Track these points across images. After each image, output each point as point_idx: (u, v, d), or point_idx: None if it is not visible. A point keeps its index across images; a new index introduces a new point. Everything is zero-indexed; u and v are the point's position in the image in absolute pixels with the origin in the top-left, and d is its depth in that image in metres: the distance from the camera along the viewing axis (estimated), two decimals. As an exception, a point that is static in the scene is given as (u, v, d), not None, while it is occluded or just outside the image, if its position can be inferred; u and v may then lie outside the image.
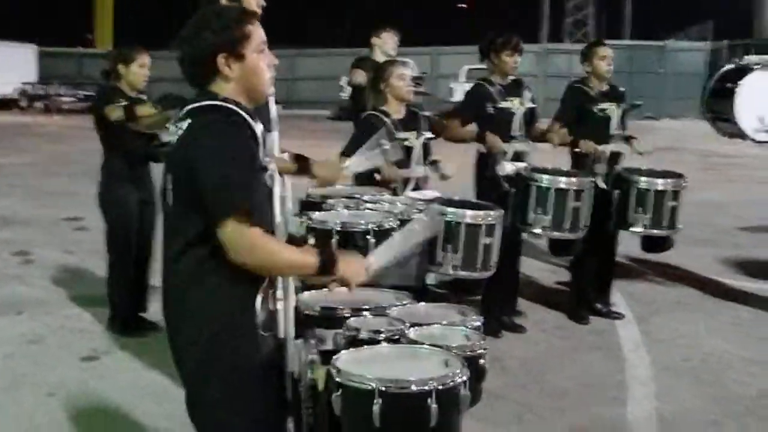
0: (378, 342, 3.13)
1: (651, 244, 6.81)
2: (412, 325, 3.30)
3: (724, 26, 35.64)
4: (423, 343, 3.05)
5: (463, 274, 5.03)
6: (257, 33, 2.79)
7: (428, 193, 5.41)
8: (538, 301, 7.24)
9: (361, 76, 6.90)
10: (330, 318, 3.43)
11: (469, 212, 5.04)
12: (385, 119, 5.51)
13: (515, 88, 6.38)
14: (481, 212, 5.11)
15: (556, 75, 30.36)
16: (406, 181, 5.47)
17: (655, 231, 6.50)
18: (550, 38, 42.12)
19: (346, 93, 7.33)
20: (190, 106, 2.77)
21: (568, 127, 6.62)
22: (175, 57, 2.78)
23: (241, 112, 2.73)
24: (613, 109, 6.64)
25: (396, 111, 5.63)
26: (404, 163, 5.43)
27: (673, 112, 28.74)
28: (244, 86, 2.78)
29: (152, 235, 6.25)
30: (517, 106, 6.29)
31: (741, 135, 6.46)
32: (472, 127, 6.30)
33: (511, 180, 6.11)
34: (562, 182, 5.97)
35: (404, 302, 3.69)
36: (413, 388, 2.67)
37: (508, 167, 6.10)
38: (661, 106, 29.84)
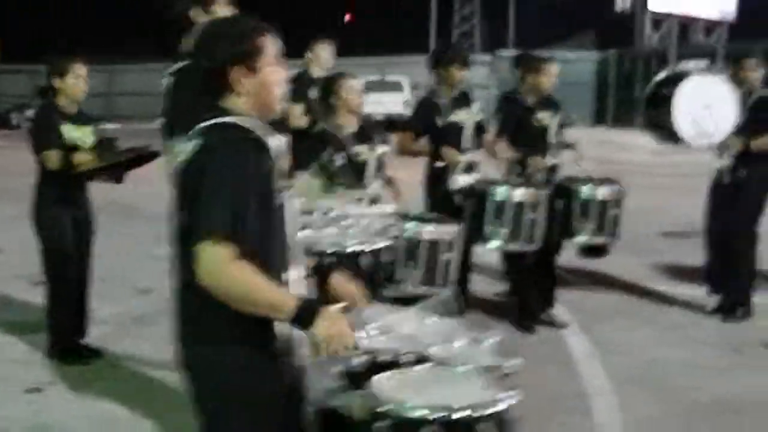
0: (400, 364, 2.91)
1: (589, 251, 6.91)
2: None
3: (606, 35, 37.04)
4: (455, 364, 2.92)
5: (423, 290, 4.99)
6: (272, 46, 2.69)
7: (386, 208, 5.35)
8: (483, 312, 7.25)
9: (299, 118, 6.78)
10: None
11: (428, 228, 5.01)
12: (338, 134, 5.43)
13: (463, 101, 6.38)
14: (442, 228, 5.08)
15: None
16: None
17: (598, 239, 6.59)
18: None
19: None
20: (201, 125, 2.64)
21: (511, 140, 6.65)
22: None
23: (254, 129, 2.62)
24: (549, 119, 6.70)
25: (349, 124, 5.51)
26: (358, 178, 5.36)
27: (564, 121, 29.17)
28: (257, 101, 2.68)
29: (89, 256, 6.03)
30: (465, 118, 6.29)
31: (678, 141, 6.60)
32: (425, 141, 6.26)
33: (464, 193, 6.10)
34: (519, 194, 5.98)
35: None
36: (467, 413, 2.57)
37: (460, 180, 6.09)
38: (552, 115, 30.47)
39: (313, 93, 6.54)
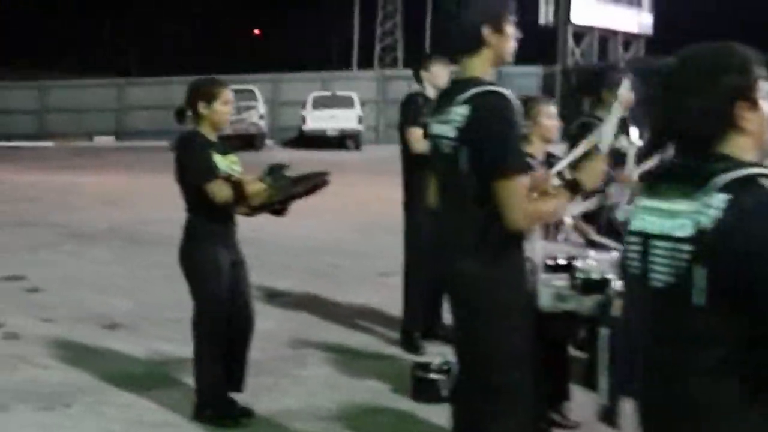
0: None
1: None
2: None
3: (527, 49, 37.27)
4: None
5: None
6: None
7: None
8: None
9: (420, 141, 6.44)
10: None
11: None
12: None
13: None
14: None
15: (396, 101, 30.90)
16: None
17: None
18: (360, 64, 43.00)
19: None
20: (730, 180, 2.05)
21: None
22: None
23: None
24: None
25: (539, 151, 5.19)
26: None
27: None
28: (758, 140, 2.20)
29: (249, 298, 5.13)
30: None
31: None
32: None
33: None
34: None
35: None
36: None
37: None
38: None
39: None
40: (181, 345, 6.29)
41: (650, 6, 37.07)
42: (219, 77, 5.45)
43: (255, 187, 4.78)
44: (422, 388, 5.21)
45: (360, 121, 27.80)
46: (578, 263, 4.18)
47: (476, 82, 3.28)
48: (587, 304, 4.06)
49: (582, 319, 4.19)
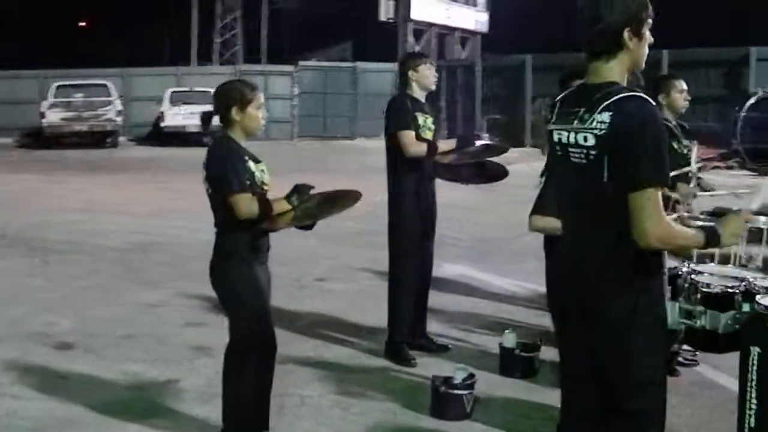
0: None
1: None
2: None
3: (361, 47, 37.89)
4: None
5: None
6: None
7: None
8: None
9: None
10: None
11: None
12: None
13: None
14: None
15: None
16: None
17: None
18: (199, 60, 42.04)
19: None
20: None
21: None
22: None
23: None
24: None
25: None
26: None
27: (365, 131, 29.81)
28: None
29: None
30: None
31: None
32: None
33: None
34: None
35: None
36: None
37: None
38: (354, 126, 30.82)
39: (421, 117, 6.10)
40: (150, 366, 5.93)
41: (485, 5, 38.07)
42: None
43: (280, 206, 4.36)
44: (448, 405, 5.00)
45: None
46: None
47: (616, 87, 3.10)
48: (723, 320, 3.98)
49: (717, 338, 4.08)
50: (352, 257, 9.68)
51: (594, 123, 3.05)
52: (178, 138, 26.31)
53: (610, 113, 3.02)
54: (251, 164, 4.35)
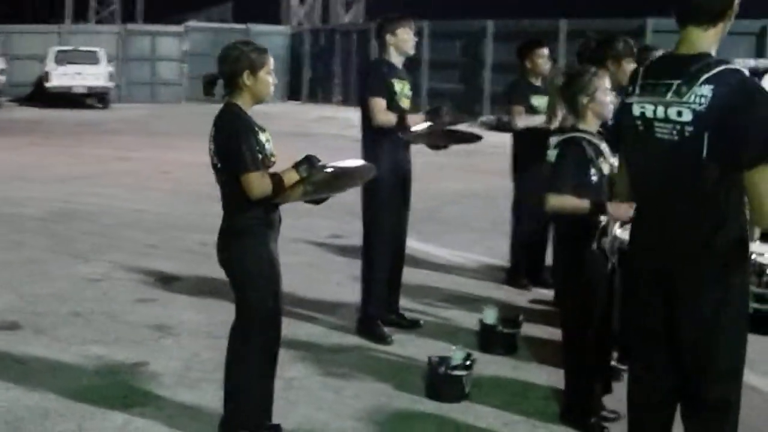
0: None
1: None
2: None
3: (243, 9, 37.39)
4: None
5: None
6: None
7: None
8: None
9: None
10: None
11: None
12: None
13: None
14: None
15: (138, 58, 29.43)
16: None
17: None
18: (75, 18, 40.35)
19: None
20: None
21: None
22: None
23: None
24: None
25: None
26: None
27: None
28: None
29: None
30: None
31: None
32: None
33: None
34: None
35: None
36: None
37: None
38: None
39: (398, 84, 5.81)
40: (111, 347, 5.55)
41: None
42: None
43: (290, 176, 4.04)
44: (446, 387, 4.81)
45: (111, 78, 25.91)
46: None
47: (713, 58, 2.92)
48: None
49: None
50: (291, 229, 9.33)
51: (693, 97, 2.86)
52: (64, 99, 25.17)
53: (711, 86, 2.84)
54: (261, 136, 4.05)
